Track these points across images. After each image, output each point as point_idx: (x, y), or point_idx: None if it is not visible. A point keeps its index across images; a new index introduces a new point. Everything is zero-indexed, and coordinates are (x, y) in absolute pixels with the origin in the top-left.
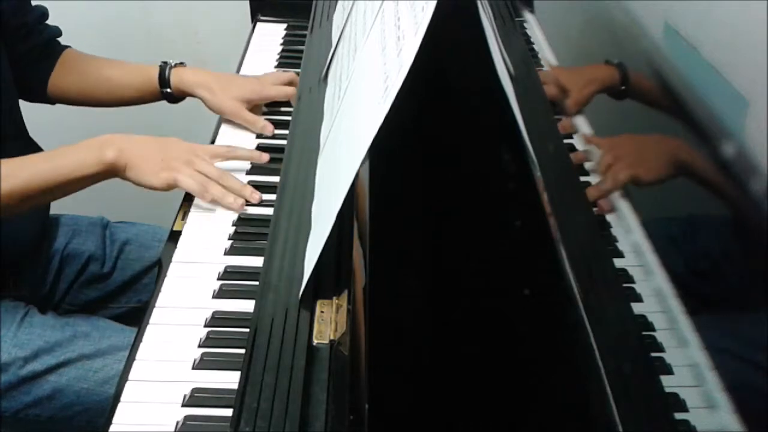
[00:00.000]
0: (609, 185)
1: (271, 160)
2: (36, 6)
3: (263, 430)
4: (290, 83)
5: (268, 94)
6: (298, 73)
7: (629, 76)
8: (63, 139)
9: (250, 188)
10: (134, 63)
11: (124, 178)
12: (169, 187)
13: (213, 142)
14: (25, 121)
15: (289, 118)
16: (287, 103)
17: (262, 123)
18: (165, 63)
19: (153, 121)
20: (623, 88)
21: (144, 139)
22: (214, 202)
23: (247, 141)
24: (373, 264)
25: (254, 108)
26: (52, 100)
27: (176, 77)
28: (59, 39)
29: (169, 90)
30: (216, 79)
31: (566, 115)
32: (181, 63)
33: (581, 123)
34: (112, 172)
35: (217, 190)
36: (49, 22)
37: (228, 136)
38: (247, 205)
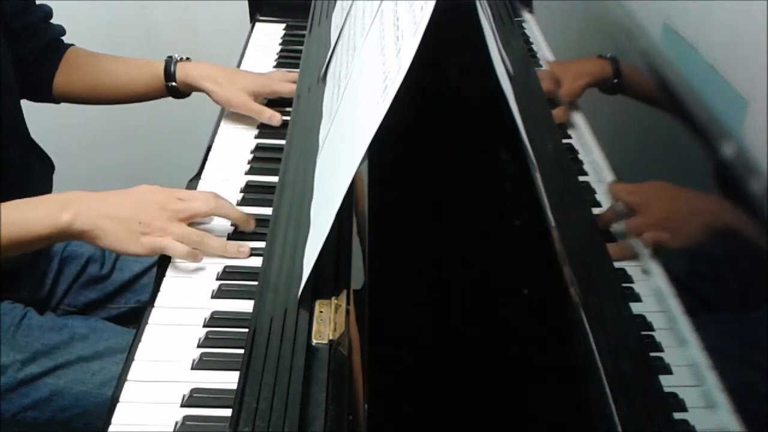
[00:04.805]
0: (633, 246)
1: (270, 160)
2: (40, 5)
3: (262, 430)
4: (295, 82)
5: (277, 88)
6: None
7: (622, 69)
8: (64, 140)
9: (235, 246)
10: (139, 59)
11: (95, 246)
12: (154, 252)
13: (212, 140)
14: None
15: (287, 118)
16: (287, 104)
17: (269, 113)
18: (170, 57)
19: (152, 120)
20: (616, 81)
21: (113, 200)
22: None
23: (246, 141)
24: (372, 264)
25: None
26: (56, 100)
27: (181, 71)
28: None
29: (174, 84)
30: (222, 71)
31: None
32: (187, 58)
33: (580, 122)
34: (69, 236)
35: (212, 248)
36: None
37: (228, 134)
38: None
